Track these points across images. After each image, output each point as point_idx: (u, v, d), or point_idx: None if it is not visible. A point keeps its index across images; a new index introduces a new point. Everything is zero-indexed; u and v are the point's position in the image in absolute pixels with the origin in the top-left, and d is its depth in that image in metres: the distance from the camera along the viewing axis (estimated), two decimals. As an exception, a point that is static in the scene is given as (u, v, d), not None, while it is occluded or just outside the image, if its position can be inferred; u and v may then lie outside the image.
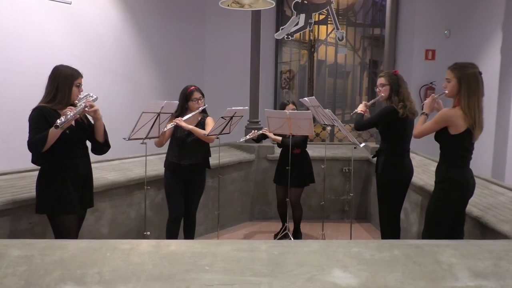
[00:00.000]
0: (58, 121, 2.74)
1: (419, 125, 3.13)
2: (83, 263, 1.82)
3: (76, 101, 2.97)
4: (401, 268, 1.84)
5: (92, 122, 3.13)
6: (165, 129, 3.80)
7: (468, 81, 2.92)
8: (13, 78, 4.72)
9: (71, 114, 2.79)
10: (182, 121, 3.87)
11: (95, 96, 3.03)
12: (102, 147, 3.18)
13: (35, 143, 2.83)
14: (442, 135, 3.02)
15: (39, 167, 3.01)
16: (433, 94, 3.29)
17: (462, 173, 3.02)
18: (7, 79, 4.70)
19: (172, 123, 3.84)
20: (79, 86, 3.00)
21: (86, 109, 2.94)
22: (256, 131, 4.86)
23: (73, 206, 2.99)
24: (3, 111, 4.60)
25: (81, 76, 3.02)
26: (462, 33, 6.57)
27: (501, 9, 5.59)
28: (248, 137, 4.90)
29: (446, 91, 3.03)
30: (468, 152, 3.03)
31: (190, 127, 3.91)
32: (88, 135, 3.12)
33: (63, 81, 2.93)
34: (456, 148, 2.99)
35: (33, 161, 2.98)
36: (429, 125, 3.05)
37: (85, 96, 3.00)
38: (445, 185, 3.04)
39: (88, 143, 3.18)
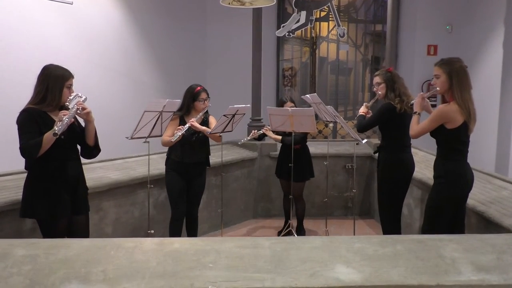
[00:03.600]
0: (56, 128, 2.63)
1: (414, 125, 3.12)
2: (87, 262, 1.84)
3: (67, 103, 2.84)
4: (404, 263, 1.85)
5: (83, 125, 3.01)
6: (183, 131, 3.79)
7: (458, 75, 2.93)
8: (17, 78, 4.73)
9: (66, 119, 2.67)
10: (195, 123, 3.90)
11: (84, 97, 2.88)
12: (92, 151, 3.05)
13: (29, 149, 2.72)
14: (438, 130, 3.01)
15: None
16: (421, 93, 3.26)
17: (460, 167, 3.01)
18: (12, 80, 4.71)
19: (187, 125, 3.86)
20: (70, 87, 2.88)
21: (78, 111, 2.81)
22: (256, 131, 4.86)
23: (64, 211, 2.90)
24: (7, 111, 4.61)
25: (72, 77, 2.90)
26: (464, 28, 6.55)
27: (503, 3, 5.57)
28: (248, 138, 4.90)
29: (438, 88, 3.03)
30: (465, 145, 3.02)
31: (203, 128, 3.95)
32: (79, 138, 3.00)
33: (53, 82, 2.81)
34: (453, 142, 2.99)
35: (26, 167, 2.89)
36: (426, 124, 3.04)
37: (74, 97, 2.86)
38: (443, 179, 3.04)
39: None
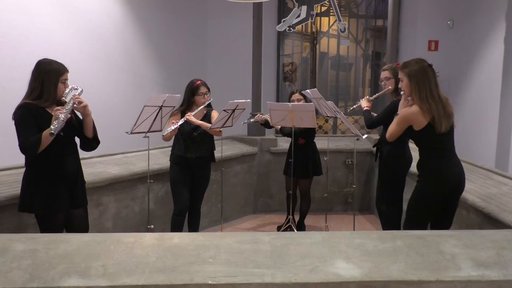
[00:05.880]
0: (52, 127, 2.60)
1: (390, 127, 3.10)
2: (87, 256, 1.84)
3: (63, 98, 2.82)
4: (404, 259, 1.85)
5: (80, 117, 2.98)
6: (177, 125, 3.79)
7: (416, 76, 2.92)
8: (15, 73, 4.70)
9: (63, 117, 2.64)
10: (192, 117, 3.88)
11: (80, 89, 2.86)
12: (91, 143, 3.03)
13: (29, 147, 2.70)
14: (409, 132, 3.02)
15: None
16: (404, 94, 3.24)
17: (439, 165, 2.95)
18: (10, 74, 4.69)
19: (183, 119, 3.85)
20: (64, 82, 2.85)
21: (75, 105, 2.79)
22: (261, 114, 4.85)
23: (63, 205, 2.90)
24: (5, 105, 4.60)
25: (67, 71, 2.87)
26: (465, 23, 6.52)
27: (504, -2, 5.54)
28: (252, 120, 4.86)
29: (402, 92, 3.04)
30: (441, 143, 2.96)
31: (199, 122, 3.94)
32: (77, 131, 2.98)
33: (48, 78, 2.77)
34: (424, 142, 2.98)
35: (26, 163, 2.88)
36: (394, 127, 3.05)
37: (70, 90, 2.84)
38: (421, 178, 3.03)
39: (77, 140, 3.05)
